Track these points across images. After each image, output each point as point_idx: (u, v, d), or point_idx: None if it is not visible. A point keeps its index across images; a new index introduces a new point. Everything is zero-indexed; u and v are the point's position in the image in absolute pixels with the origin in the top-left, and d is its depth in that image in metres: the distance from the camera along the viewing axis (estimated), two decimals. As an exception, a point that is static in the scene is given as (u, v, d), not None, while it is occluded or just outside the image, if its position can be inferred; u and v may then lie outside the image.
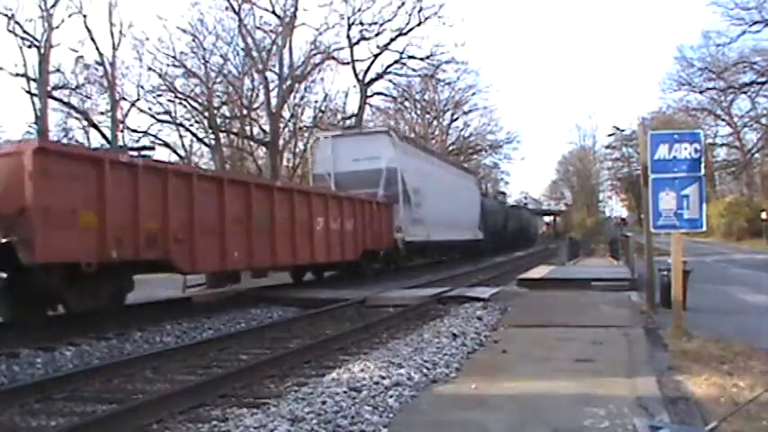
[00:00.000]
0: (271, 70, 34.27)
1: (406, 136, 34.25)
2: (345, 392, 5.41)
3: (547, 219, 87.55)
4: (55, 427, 5.16)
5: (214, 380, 6.24)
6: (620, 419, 4.57)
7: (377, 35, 37.17)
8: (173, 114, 36.48)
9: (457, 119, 56.33)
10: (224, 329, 10.38)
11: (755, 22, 40.81)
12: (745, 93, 50.27)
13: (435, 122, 54.06)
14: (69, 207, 8.58)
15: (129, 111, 35.36)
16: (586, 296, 12.57)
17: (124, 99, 34.90)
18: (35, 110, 31.68)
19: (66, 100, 34.64)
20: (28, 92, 31.64)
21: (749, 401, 4.63)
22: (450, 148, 56.39)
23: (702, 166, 8.93)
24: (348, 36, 36.48)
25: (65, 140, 33.93)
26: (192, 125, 37.33)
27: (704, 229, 9.48)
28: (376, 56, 38.22)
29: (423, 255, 25.80)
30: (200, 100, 35.73)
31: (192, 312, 11.24)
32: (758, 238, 48.35)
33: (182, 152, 38.75)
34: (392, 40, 37.64)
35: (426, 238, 22.60)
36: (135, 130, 35.58)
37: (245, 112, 36.62)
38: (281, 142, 35.37)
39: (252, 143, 38.51)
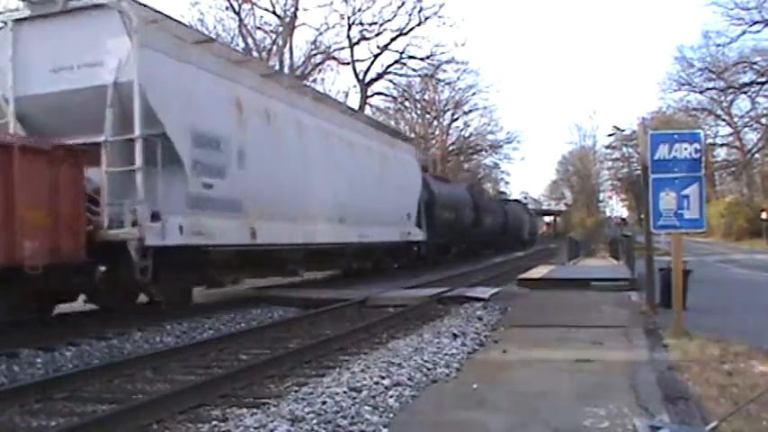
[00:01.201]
0: (271, 70, 34.24)
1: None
2: (345, 392, 5.41)
3: (547, 219, 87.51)
4: (55, 427, 5.15)
5: (214, 380, 6.24)
6: (620, 419, 4.57)
7: (377, 35, 37.29)
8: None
9: (457, 119, 56.44)
10: (224, 329, 10.37)
11: (755, 22, 40.92)
12: (745, 93, 50.38)
13: (435, 122, 54.12)
14: None
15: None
16: (586, 296, 12.57)
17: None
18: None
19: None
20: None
21: (749, 401, 4.63)
22: (451, 149, 56.46)
23: (702, 166, 8.94)
24: (348, 36, 36.59)
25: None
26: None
27: (704, 229, 9.49)
28: (376, 56, 38.35)
29: (249, 270, 13.26)
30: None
31: (192, 312, 11.23)
32: (758, 238, 48.42)
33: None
34: (392, 40, 37.76)
35: (246, 241, 11.78)
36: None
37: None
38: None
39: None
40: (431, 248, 24.05)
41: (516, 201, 56.64)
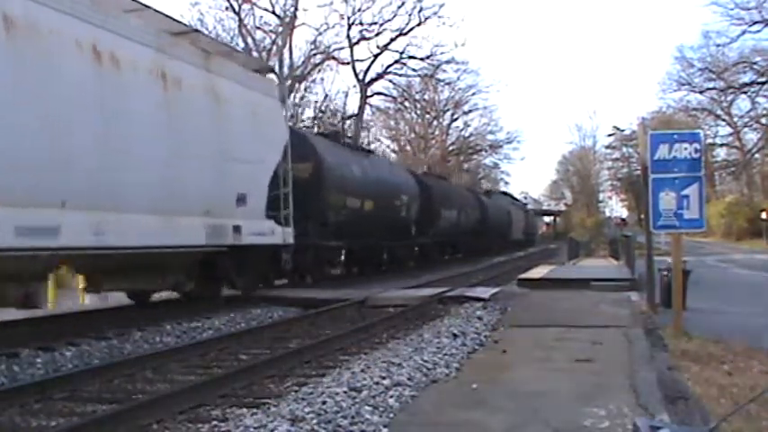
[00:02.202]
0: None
1: None
2: (345, 392, 5.41)
3: (547, 219, 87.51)
4: (55, 427, 5.16)
5: (214, 380, 6.24)
6: (620, 419, 4.57)
7: (377, 35, 37.26)
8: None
9: (457, 119, 56.41)
10: (224, 329, 10.37)
11: (755, 22, 40.93)
12: (745, 93, 50.36)
13: (435, 122, 54.07)
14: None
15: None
16: (586, 296, 12.57)
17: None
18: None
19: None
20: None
21: (749, 401, 4.62)
22: (450, 149, 56.43)
23: (702, 166, 8.95)
24: (348, 36, 36.56)
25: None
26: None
27: (704, 229, 9.50)
28: (376, 56, 38.31)
29: None
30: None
31: (192, 312, 11.23)
32: (758, 238, 48.40)
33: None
34: (392, 40, 37.73)
35: None
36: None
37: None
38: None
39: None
40: (312, 256, 15.24)
41: (504, 193, 50.53)
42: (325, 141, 17.75)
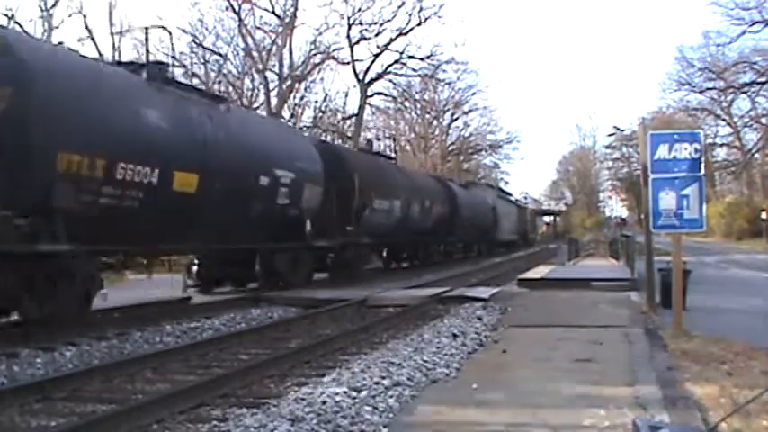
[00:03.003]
0: (271, 70, 34.29)
1: None
2: (345, 392, 5.41)
3: (547, 219, 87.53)
4: (55, 427, 5.16)
5: (214, 380, 6.24)
6: (620, 419, 4.57)
7: (377, 35, 37.21)
8: (172, 114, 36.24)
9: (457, 119, 56.48)
10: (224, 329, 10.37)
11: (755, 22, 40.87)
12: (745, 93, 50.28)
13: (435, 122, 54.11)
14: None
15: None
16: (586, 296, 12.57)
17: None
18: (35, 110, 31.49)
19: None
20: (28, 92, 31.37)
21: (749, 401, 4.62)
22: (450, 149, 56.48)
23: (702, 166, 8.95)
24: (348, 36, 36.52)
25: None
26: (191, 125, 37.18)
27: (704, 229, 9.50)
28: (376, 56, 38.25)
29: None
30: (199, 100, 35.57)
31: (192, 312, 11.23)
32: (758, 238, 48.33)
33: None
34: (392, 40, 37.67)
35: None
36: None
37: (244, 111, 36.35)
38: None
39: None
40: (12, 273, 8.28)
41: (491, 186, 43.40)
42: (69, 57, 10.10)
